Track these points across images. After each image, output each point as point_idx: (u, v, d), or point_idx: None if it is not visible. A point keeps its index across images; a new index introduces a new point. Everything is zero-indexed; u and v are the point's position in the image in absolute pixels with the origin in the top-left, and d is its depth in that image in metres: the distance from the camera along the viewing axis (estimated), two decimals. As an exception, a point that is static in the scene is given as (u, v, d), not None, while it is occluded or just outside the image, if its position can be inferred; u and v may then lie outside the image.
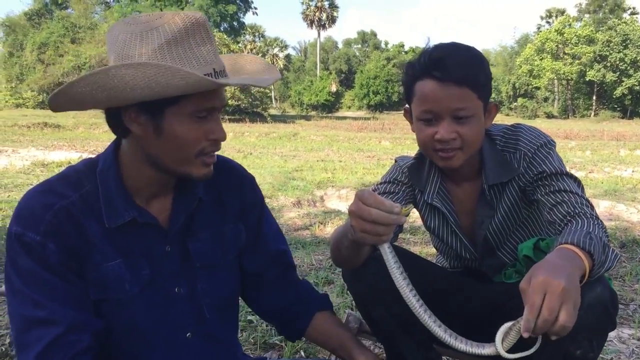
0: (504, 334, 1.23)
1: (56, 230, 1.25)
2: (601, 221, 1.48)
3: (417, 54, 1.63)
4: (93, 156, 1.41)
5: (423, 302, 1.35)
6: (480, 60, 1.59)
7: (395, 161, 1.90)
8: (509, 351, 1.24)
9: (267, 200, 6.92)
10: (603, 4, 72.86)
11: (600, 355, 2.55)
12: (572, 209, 1.52)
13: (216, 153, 1.35)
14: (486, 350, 1.27)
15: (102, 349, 1.32)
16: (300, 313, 1.61)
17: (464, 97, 1.54)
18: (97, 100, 1.16)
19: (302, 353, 2.55)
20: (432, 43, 1.63)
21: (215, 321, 1.47)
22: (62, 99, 1.18)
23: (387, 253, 1.34)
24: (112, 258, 1.31)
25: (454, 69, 1.52)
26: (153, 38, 1.17)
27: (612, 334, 2.84)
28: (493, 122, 1.75)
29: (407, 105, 1.70)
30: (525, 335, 1.18)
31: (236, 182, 1.54)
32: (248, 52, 64.78)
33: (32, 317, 1.23)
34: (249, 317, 2.93)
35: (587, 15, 72.71)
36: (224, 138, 1.31)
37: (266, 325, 2.85)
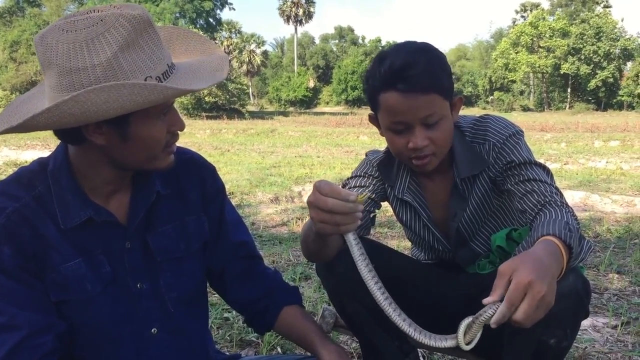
0: (466, 328, 1.23)
1: (10, 233, 1.21)
2: (571, 208, 1.49)
3: (374, 61, 1.58)
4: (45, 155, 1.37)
5: (388, 294, 1.34)
6: (441, 62, 1.55)
7: (366, 155, 1.89)
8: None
9: (244, 196, 6.94)
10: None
11: (575, 344, 2.58)
12: (542, 197, 1.52)
13: (188, 148, 1.34)
14: (448, 343, 1.27)
15: (68, 349, 1.29)
16: (268, 307, 1.59)
17: (432, 103, 1.52)
18: (61, 124, 1.10)
19: (279, 350, 2.54)
20: (385, 44, 1.60)
21: (182, 315, 1.44)
22: (17, 130, 1.12)
23: (352, 244, 1.32)
24: (71, 258, 1.27)
25: (418, 78, 1.48)
26: (102, 46, 1.09)
27: (586, 323, 2.87)
28: (465, 114, 1.74)
29: (371, 112, 1.68)
30: (494, 326, 1.18)
31: (197, 173, 1.51)
32: (225, 49, 64.58)
33: None
34: (225, 315, 2.91)
35: (559, 9, 73.56)
36: (183, 127, 1.30)
37: (242, 322, 2.82)
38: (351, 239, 1.32)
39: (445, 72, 1.55)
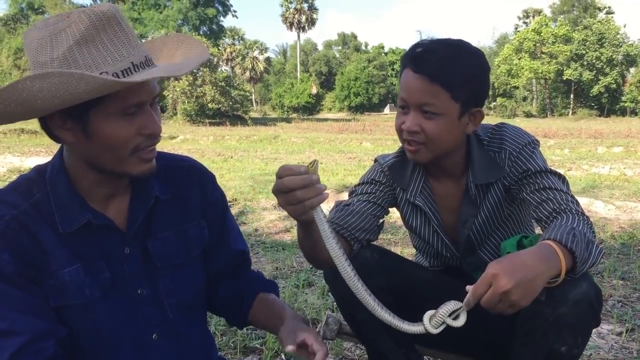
0: (430, 316, 1.38)
1: (9, 240, 1.22)
2: (587, 217, 1.50)
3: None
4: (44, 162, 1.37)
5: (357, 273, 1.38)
6: (463, 62, 1.57)
7: (376, 160, 1.89)
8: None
9: (248, 203, 6.94)
10: (575, 4, 73.84)
11: (580, 351, 2.57)
12: (558, 205, 1.53)
13: (187, 154, 1.33)
14: (415, 328, 1.39)
15: (69, 354, 1.29)
16: (244, 297, 1.57)
17: (433, 93, 1.55)
18: (16, 114, 1.12)
19: (283, 357, 2.54)
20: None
21: (181, 321, 1.44)
22: None
23: (320, 218, 1.33)
24: (69, 264, 1.28)
25: (428, 64, 1.54)
26: (62, 41, 1.12)
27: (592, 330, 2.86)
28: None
29: None
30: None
31: (197, 180, 1.51)
32: (228, 55, 64.71)
33: None
34: (229, 321, 2.90)
35: (561, 16, 73.55)
36: (158, 131, 1.25)
37: (246, 330, 2.82)
38: (321, 215, 1.33)
39: (464, 74, 1.56)
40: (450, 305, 1.37)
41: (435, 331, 1.37)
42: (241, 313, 1.59)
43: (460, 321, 1.36)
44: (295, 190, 1.25)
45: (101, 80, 1.08)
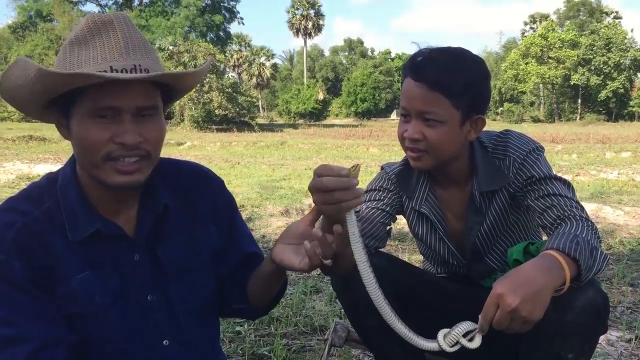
0: (444, 335, 1.38)
1: (20, 247, 1.23)
2: (591, 222, 1.49)
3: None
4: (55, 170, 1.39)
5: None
6: (463, 70, 1.57)
7: (382, 168, 1.90)
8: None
9: (254, 209, 6.95)
10: (581, 8, 73.74)
11: (589, 358, 2.55)
12: (562, 212, 1.53)
13: (194, 160, 1.33)
14: (430, 344, 1.39)
15: None
16: (243, 277, 1.52)
17: (434, 101, 1.56)
18: (10, 101, 1.25)
19: (291, 364, 2.53)
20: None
21: (193, 327, 1.44)
22: None
23: (352, 221, 1.31)
24: (79, 271, 1.28)
25: (428, 72, 1.55)
26: (65, 41, 1.22)
27: (600, 337, 2.84)
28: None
29: None
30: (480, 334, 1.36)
31: (205, 185, 1.52)
32: (235, 62, 64.78)
33: (3, 337, 1.21)
34: (237, 328, 2.91)
35: (567, 21, 73.39)
36: (130, 142, 1.20)
37: (254, 336, 2.82)
38: (353, 218, 1.32)
39: (464, 81, 1.57)
40: (465, 326, 1.37)
41: (450, 350, 1.37)
42: (239, 290, 1.52)
43: (475, 343, 1.36)
44: (334, 191, 1.25)
45: (44, 71, 1.14)
